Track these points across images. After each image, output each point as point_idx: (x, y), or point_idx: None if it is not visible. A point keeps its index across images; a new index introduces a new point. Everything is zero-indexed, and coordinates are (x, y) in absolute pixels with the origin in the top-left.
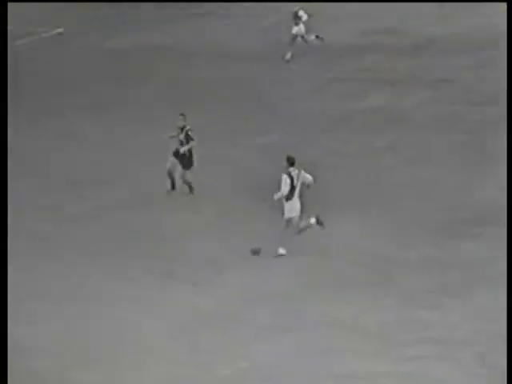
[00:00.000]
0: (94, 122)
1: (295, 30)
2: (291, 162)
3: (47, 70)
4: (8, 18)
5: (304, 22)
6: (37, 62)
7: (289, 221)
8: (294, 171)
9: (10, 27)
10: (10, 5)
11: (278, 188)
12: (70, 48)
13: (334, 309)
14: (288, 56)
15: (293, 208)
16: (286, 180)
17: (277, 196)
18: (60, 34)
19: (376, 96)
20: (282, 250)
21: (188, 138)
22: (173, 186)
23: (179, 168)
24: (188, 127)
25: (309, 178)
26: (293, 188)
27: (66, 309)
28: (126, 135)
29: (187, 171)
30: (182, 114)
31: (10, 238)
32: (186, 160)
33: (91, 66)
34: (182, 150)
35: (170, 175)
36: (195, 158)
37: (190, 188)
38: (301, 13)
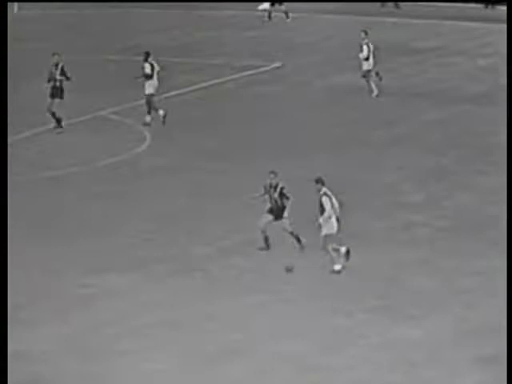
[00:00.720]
0: (333, 163)
1: (365, 65)
2: (322, 182)
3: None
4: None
5: (369, 55)
6: (261, 96)
7: (328, 237)
8: (328, 191)
9: (225, 60)
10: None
11: (320, 211)
12: (287, 84)
13: None
14: (375, 92)
15: (332, 225)
16: (327, 201)
17: (323, 219)
18: (278, 68)
19: None
20: (337, 267)
21: (283, 196)
22: (267, 243)
23: (283, 221)
24: (281, 185)
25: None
26: (331, 206)
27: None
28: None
29: (285, 221)
30: (272, 172)
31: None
32: (280, 211)
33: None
34: (286, 214)
35: (264, 233)
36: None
37: (298, 239)
38: (364, 46)
